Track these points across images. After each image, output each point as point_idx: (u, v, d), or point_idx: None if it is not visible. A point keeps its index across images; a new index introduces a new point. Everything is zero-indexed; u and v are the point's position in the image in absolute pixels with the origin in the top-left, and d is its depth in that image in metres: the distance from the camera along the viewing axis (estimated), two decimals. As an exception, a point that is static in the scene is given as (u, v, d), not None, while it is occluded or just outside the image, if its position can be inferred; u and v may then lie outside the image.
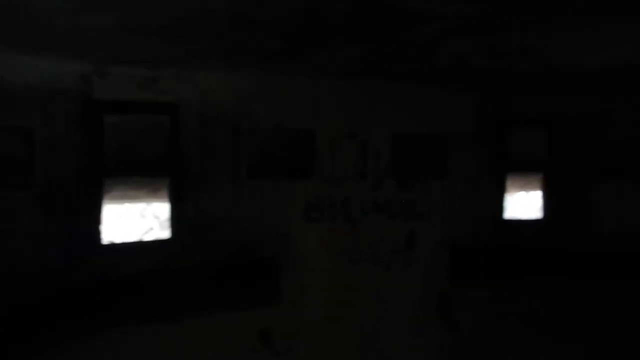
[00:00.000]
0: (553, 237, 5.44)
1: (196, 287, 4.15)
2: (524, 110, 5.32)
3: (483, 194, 5.28)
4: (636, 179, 5.28)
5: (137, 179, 4.35)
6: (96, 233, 3.82)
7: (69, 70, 3.68)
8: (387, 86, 4.74)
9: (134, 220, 6.55)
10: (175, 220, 4.14)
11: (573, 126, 5.42)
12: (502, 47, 3.47)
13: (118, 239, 4.36)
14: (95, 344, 3.66)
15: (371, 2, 2.50)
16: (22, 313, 3.47)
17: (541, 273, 5.28)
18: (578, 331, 5.23)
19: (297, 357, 4.48)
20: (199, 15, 2.69)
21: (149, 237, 6.00)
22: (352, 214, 4.70)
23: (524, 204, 6.14)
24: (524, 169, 5.55)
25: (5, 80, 3.37)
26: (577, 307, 5.29)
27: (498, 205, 5.32)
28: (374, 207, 4.79)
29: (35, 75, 3.51)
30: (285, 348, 4.40)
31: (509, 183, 5.42)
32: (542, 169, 5.56)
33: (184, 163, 4.15)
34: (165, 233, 4.46)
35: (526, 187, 5.91)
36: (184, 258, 4.13)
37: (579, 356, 5.13)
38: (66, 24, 2.80)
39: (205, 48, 3.44)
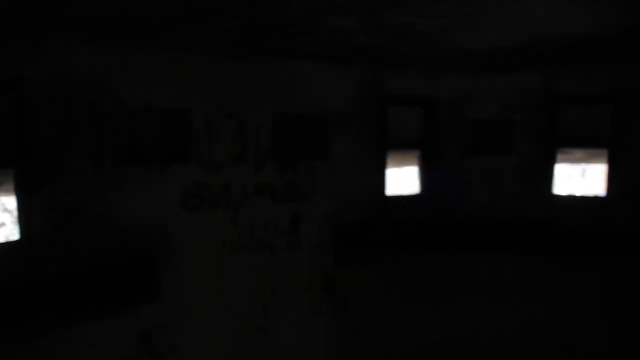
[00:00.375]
0: (430, 210, 5.69)
1: (60, 293, 3.60)
2: (402, 89, 5.42)
3: (365, 172, 5.32)
4: (500, 154, 5.69)
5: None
6: None
7: None
8: (266, 63, 4.50)
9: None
10: (25, 216, 3.53)
11: (445, 105, 5.67)
12: (382, 25, 3.42)
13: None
14: None
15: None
16: None
17: (421, 245, 5.52)
18: (450, 296, 5.58)
19: (185, 355, 4.15)
20: None
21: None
22: (234, 199, 4.42)
23: (403, 180, 6.36)
24: (403, 146, 5.69)
25: None
26: (451, 274, 5.62)
27: (380, 183, 5.40)
28: (256, 190, 4.56)
29: None
30: (170, 347, 4.03)
31: (389, 160, 5.52)
32: (418, 146, 5.76)
33: (34, 150, 3.53)
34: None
35: (405, 163, 6.10)
36: (39, 261, 3.54)
37: (450, 319, 5.49)
38: None
39: (59, 14, 2.90)
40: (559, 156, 5.54)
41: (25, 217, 3.52)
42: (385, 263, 5.38)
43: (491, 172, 5.74)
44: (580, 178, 7.34)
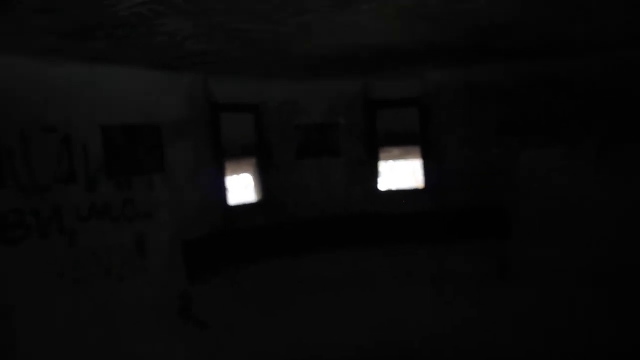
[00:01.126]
0: (270, 215, 5.81)
1: None
2: (233, 97, 5.45)
3: (204, 183, 5.20)
4: (330, 155, 6.10)
5: None
6: None
7: None
8: (91, 68, 4.10)
9: None
10: None
11: (274, 111, 5.86)
12: (218, 30, 3.41)
13: None
14: None
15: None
16: None
17: (267, 251, 5.60)
18: (294, 298, 5.77)
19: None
20: None
21: None
22: (67, 224, 3.92)
23: (242, 187, 6.38)
24: (239, 153, 5.72)
25: None
26: (296, 276, 5.81)
27: (220, 192, 5.34)
28: (91, 212, 4.11)
29: None
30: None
31: (227, 168, 5.49)
32: (252, 152, 5.84)
33: None
34: None
35: (240, 170, 6.13)
36: None
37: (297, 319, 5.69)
38: None
39: None
40: (380, 154, 6.18)
41: None
42: (236, 273, 5.32)
43: (323, 172, 6.12)
44: (398, 173, 8.29)
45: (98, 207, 4.17)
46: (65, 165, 3.97)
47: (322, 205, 6.11)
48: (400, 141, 6.12)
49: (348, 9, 3.05)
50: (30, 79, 3.74)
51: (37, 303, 3.71)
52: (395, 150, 6.24)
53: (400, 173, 7.48)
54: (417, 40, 4.07)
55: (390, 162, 6.50)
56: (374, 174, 6.14)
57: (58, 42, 3.34)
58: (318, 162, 6.11)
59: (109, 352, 4.13)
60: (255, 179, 5.99)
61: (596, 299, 5.26)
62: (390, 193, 6.18)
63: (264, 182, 5.91)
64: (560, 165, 5.38)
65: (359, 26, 3.49)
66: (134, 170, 4.50)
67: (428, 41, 4.11)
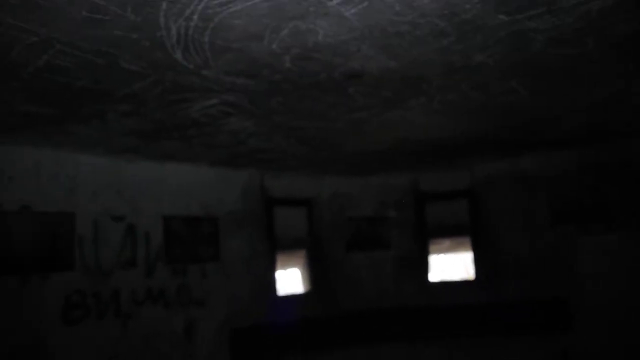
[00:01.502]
0: (319, 307, 5.77)
1: None
2: (287, 192, 5.71)
3: (256, 274, 5.31)
4: (380, 247, 6.13)
5: None
6: None
7: None
8: (158, 164, 4.49)
9: None
10: None
11: (326, 205, 6.05)
12: (277, 128, 3.72)
13: None
14: None
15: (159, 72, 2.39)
16: None
17: (315, 342, 5.51)
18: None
19: None
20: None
21: None
22: (123, 307, 4.09)
23: (294, 279, 6.43)
24: (290, 246, 5.85)
25: None
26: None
27: (271, 283, 5.41)
28: (147, 296, 4.28)
29: None
30: None
31: (278, 260, 5.61)
32: (304, 244, 5.97)
33: None
34: None
35: (293, 263, 6.22)
36: None
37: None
38: None
39: None
40: (431, 247, 6.15)
41: None
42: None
43: (373, 265, 6.11)
44: (450, 265, 8.13)
45: (154, 292, 4.34)
46: (128, 252, 4.23)
47: (373, 298, 6.03)
48: (450, 233, 6.09)
49: (398, 107, 3.29)
50: (106, 174, 4.14)
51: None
52: (446, 242, 6.19)
53: (451, 266, 7.35)
54: (464, 134, 4.24)
55: (441, 255, 6.43)
56: (424, 266, 6.07)
57: (136, 141, 3.74)
58: (368, 255, 6.13)
59: None
60: (305, 272, 6.05)
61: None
62: (441, 285, 6.05)
63: (314, 275, 5.94)
64: (618, 252, 5.18)
65: (407, 121, 3.71)
66: (191, 258, 4.70)
67: (474, 134, 4.27)
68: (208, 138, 3.86)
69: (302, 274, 6.07)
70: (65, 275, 3.78)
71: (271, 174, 5.49)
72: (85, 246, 3.94)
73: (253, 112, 3.28)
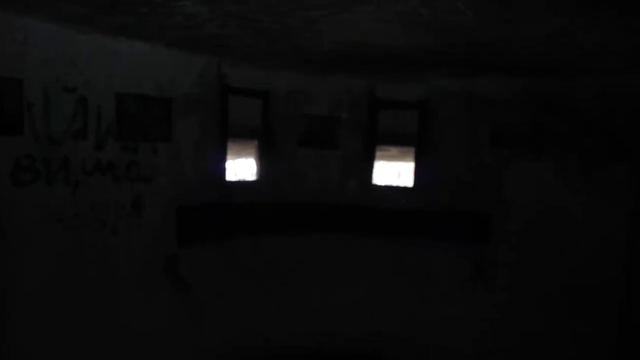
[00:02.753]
0: (266, 195, 6.14)
1: None
2: (244, 82, 5.77)
3: (206, 157, 5.53)
4: (329, 147, 6.40)
5: None
6: None
7: None
8: (113, 40, 4.45)
9: None
10: None
11: (282, 100, 6.17)
12: (232, 17, 3.72)
13: None
14: None
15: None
16: None
17: (258, 228, 5.96)
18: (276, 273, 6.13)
19: (16, 342, 3.89)
20: None
21: None
22: (72, 175, 4.29)
23: (243, 167, 6.71)
24: (242, 135, 6.04)
25: None
26: (283, 253, 6.16)
27: (221, 168, 5.67)
28: (96, 168, 4.47)
29: None
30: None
31: (230, 148, 5.82)
32: (256, 136, 6.17)
33: None
34: None
35: (244, 152, 6.45)
36: None
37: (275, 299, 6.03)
38: None
39: None
40: (378, 153, 6.47)
41: None
42: (226, 245, 5.67)
43: (321, 162, 6.42)
44: (395, 177, 8.60)
45: (103, 165, 4.53)
46: (79, 124, 4.34)
47: (317, 194, 6.43)
48: (398, 141, 6.41)
49: (347, 10, 3.35)
50: (59, 43, 4.10)
51: (36, 241, 4.09)
52: (392, 150, 6.53)
53: (393, 171, 7.75)
54: (417, 47, 4.35)
55: (385, 161, 6.80)
56: (369, 169, 6.44)
57: (88, 13, 3.68)
58: (318, 152, 6.41)
59: (96, 294, 4.52)
60: (256, 161, 6.32)
61: (561, 305, 5.64)
62: (382, 189, 6.48)
63: (264, 165, 6.23)
64: (546, 179, 5.65)
65: (360, 27, 3.78)
66: (142, 136, 4.84)
67: (428, 49, 4.38)
68: (162, 17, 3.82)
69: (253, 164, 6.35)
70: (14, 139, 3.89)
71: (229, 63, 5.51)
72: (35, 113, 4.01)
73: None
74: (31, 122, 4.00)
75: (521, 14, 3.24)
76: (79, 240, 4.38)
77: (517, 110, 5.73)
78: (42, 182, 4.10)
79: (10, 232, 3.92)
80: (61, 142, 4.21)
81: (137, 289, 4.86)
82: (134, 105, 4.74)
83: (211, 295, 5.53)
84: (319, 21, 3.70)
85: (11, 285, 3.95)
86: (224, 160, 5.73)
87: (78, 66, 4.28)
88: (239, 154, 6.66)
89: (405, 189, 6.46)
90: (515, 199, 5.81)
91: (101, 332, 4.55)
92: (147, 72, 4.81)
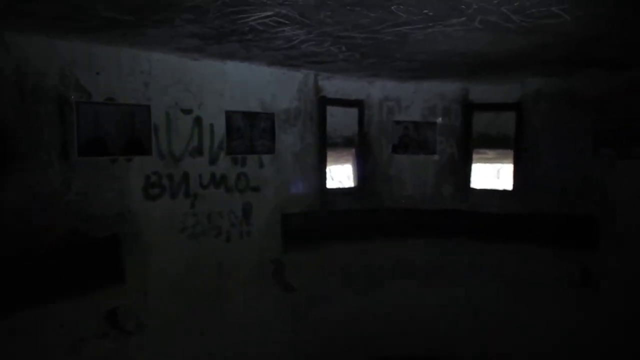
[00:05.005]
0: (364, 201, 6.35)
1: (26, 277, 3.83)
2: (340, 92, 6.04)
3: (307, 167, 5.87)
4: (424, 152, 6.46)
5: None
6: None
7: None
8: (221, 64, 4.93)
9: None
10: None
11: (377, 108, 6.35)
12: (326, 36, 3.98)
13: None
14: None
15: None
16: None
17: (357, 233, 6.17)
18: (380, 279, 6.27)
19: (150, 333, 4.48)
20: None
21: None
22: (191, 188, 4.82)
23: (341, 175, 6.99)
24: (340, 144, 6.31)
25: None
26: (382, 258, 6.31)
27: (320, 176, 5.98)
28: (211, 181, 4.97)
29: None
30: (136, 326, 4.35)
31: (328, 157, 6.12)
32: (352, 144, 6.40)
33: (2, 138, 3.74)
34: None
35: (340, 159, 6.72)
36: (9, 243, 3.75)
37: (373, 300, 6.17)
38: None
39: (21, 6, 3.16)
40: (474, 156, 6.41)
41: (-6, 202, 3.71)
42: (326, 249, 5.96)
43: (416, 167, 6.50)
44: (494, 176, 8.38)
45: (217, 178, 5.02)
46: (195, 142, 4.86)
47: (414, 198, 6.52)
48: (494, 144, 6.30)
49: (438, 24, 3.45)
50: (175, 71, 4.64)
51: (161, 248, 4.65)
52: (489, 153, 6.43)
53: (492, 170, 7.57)
54: (509, 51, 4.31)
55: (487, 165, 6.69)
56: (466, 173, 6.40)
57: (199, 43, 4.15)
58: (413, 158, 6.51)
59: (214, 292, 5.02)
60: (353, 169, 6.56)
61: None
62: (480, 192, 6.40)
63: (361, 172, 6.45)
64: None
65: (451, 37, 3.85)
66: (249, 149, 5.29)
67: (521, 52, 4.33)
68: (264, 42, 4.20)
69: (351, 171, 6.59)
70: (144, 159, 4.49)
71: (324, 76, 5.81)
72: (160, 135, 4.58)
73: (304, 23, 3.56)
74: (157, 143, 4.57)
75: (624, 7, 3.13)
76: (198, 246, 4.91)
77: (623, 106, 5.38)
78: (167, 196, 4.66)
79: (145, 240, 4.51)
80: (181, 159, 4.75)
81: (247, 289, 5.31)
82: (241, 121, 5.19)
83: (312, 295, 5.85)
84: (411, 34, 3.83)
85: (149, 285, 4.54)
86: (323, 168, 6.03)
87: (192, 90, 4.81)
88: (337, 161, 6.94)
89: (504, 192, 6.32)
90: (623, 200, 5.45)
91: (217, 323, 5.08)
92: (251, 90, 5.25)
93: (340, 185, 6.46)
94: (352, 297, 6.17)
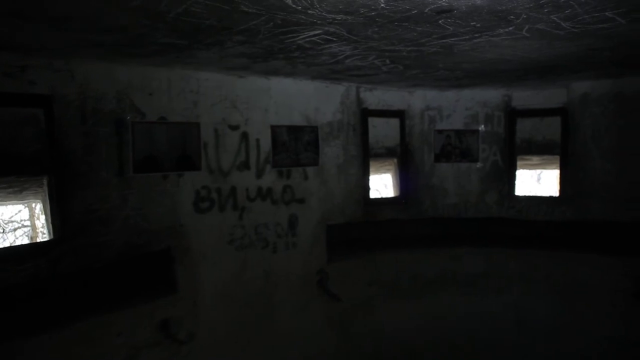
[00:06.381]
0: (407, 211, 6.35)
1: (88, 287, 4.02)
2: (381, 103, 6.07)
3: (350, 178, 5.92)
4: (467, 160, 6.42)
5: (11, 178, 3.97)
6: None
7: None
8: (266, 80, 5.05)
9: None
10: (59, 219, 3.93)
11: (418, 117, 6.36)
12: (371, 51, 4.04)
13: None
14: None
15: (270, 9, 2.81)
16: None
17: (400, 242, 6.17)
18: (426, 288, 6.23)
19: (200, 342, 4.61)
20: (103, 5, 2.70)
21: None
22: (239, 202, 4.94)
23: (384, 185, 7.00)
24: (382, 154, 6.33)
25: None
26: (426, 268, 6.27)
27: (364, 187, 6.02)
28: (258, 194, 5.09)
29: None
30: (187, 335, 4.49)
31: (371, 166, 6.15)
32: (395, 153, 6.42)
33: (66, 159, 3.95)
34: (46, 234, 4.18)
35: (383, 169, 6.74)
36: (72, 259, 3.95)
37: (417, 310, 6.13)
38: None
39: (94, 38, 3.36)
40: (518, 163, 6.32)
41: (59, 220, 3.92)
42: (370, 259, 5.98)
43: (459, 176, 6.46)
44: (535, 181, 8.21)
45: (263, 191, 5.13)
46: (242, 156, 4.99)
47: (458, 207, 6.47)
48: (540, 150, 6.20)
49: (484, 34, 3.46)
50: (222, 88, 4.79)
51: (214, 260, 4.78)
52: (533, 159, 6.32)
53: (532, 180, 7.42)
54: (557, 56, 4.27)
55: (528, 170, 6.58)
56: (510, 180, 6.31)
57: (247, 61, 4.28)
58: (456, 166, 6.47)
59: (260, 303, 5.10)
60: (395, 178, 6.57)
61: None
62: (525, 199, 6.30)
63: (404, 182, 6.46)
64: None
65: (497, 47, 3.85)
66: (294, 162, 5.38)
67: (570, 56, 4.27)
68: (310, 58, 4.29)
69: (393, 181, 6.61)
70: (194, 174, 4.64)
71: (366, 87, 5.87)
72: (209, 151, 4.73)
73: (351, 39, 3.63)
74: (206, 158, 4.72)
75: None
76: (246, 257, 5.02)
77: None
78: (216, 209, 4.80)
79: (195, 252, 4.65)
80: (229, 174, 4.88)
81: (293, 299, 5.38)
82: (286, 135, 5.30)
83: (356, 305, 5.87)
84: (456, 46, 3.84)
85: (199, 296, 4.68)
86: (366, 178, 6.07)
87: (239, 107, 4.94)
88: (379, 170, 6.96)
89: (550, 198, 6.20)
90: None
91: (264, 333, 5.18)
92: (295, 104, 5.36)
93: (383, 195, 6.47)
94: (396, 307, 6.16)
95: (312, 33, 3.42)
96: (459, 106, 6.32)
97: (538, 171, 8.26)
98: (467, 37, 3.55)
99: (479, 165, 6.39)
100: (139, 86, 4.27)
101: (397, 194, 6.51)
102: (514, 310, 6.16)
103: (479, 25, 3.24)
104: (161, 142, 4.45)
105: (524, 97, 6.11)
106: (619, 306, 5.59)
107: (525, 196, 6.37)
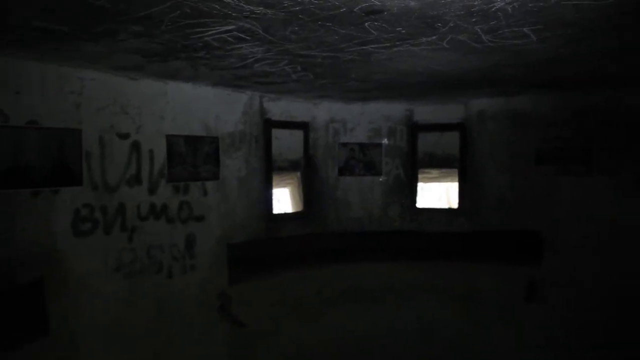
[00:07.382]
0: (310, 226, 6.09)
1: None
2: (285, 115, 5.78)
3: (253, 193, 5.51)
4: (370, 173, 6.36)
5: None
6: None
7: None
8: (162, 84, 4.50)
9: None
10: None
11: (322, 130, 6.17)
12: (284, 55, 3.73)
13: None
14: None
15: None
16: None
17: (305, 259, 5.88)
18: (330, 305, 6.00)
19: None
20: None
21: None
22: (128, 221, 4.28)
23: (287, 199, 6.68)
24: (285, 167, 6.03)
25: None
26: (331, 284, 6.06)
27: (266, 202, 5.65)
28: (151, 212, 4.47)
29: None
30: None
31: (274, 180, 5.80)
32: (299, 166, 6.15)
33: None
34: None
35: (286, 183, 6.44)
36: None
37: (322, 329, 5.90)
38: None
39: None
40: (419, 176, 6.41)
41: None
42: (275, 278, 5.61)
43: (363, 189, 6.38)
44: (440, 195, 8.51)
45: (157, 208, 4.52)
46: (133, 169, 4.35)
47: (362, 221, 6.37)
48: (439, 163, 6.35)
49: (406, 42, 3.33)
50: (110, 91, 4.14)
51: (97, 291, 4.08)
52: (434, 172, 6.47)
53: (436, 194, 7.65)
54: (465, 71, 4.32)
55: (428, 184, 6.71)
56: (412, 193, 6.37)
57: (141, 60, 3.72)
58: (359, 179, 6.38)
59: (154, 335, 4.47)
60: (299, 192, 6.29)
61: (620, 322, 5.42)
62: (426, 212, 6.40)
63: (308, 195, 6.20)
64: (598, 194, 5.52)
65: (415, 57, 3.76)
66: (192, 176, 4.85)
67: (476, 71, 4.35)
68: (215, 60, 3.85)
69: (297, 195, 6.32)
70: (74, 190, 3.91)
71: (270, 97, 5.53)
72: (92, 162, 4.04)
73: (265, 39, 3.27)
74: (89, 171, 4.02)
75: (587, 33, 3.19)
76: (136, 286, 4.36)
77: (564, 125, 5.64)
78: (100, 230, 4.11)
79: (74, 282, 3.91)
80: (116, 189, 4.22)
81: (192, 328, 4.81)
82: (183, 146, 4.75)
83: (262, 328, 5.45)
84: (374, 54, 3.68)
85: (79, 327, 3.93)
86: (269, 193, 5.71)
87: (130, 112, 4.32)
88: (280, 184, 6.64)
89: (450, 210, 6.37)
90: (565, 216, 5.68)
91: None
92: (194, 112, 4.84)
93: (287, 210, 6.16)
94: (302, 327, 5.84)
95: (223, 29, 3.01)
96: (363, 119, 6.26)
97: (446, 185, 8.55)
98: (388, 44, 3.39)
99: (382, 178, 6.36)
100: (1, 82, 3.49)
101: (300, 209, 6.23)
102: (418, 321, 6.17)
103: (404, 31, 3.08)
104: (32, 152, 3.68)
105: (425, 112, 6.22)
106: (514, 310, 5.86)
107: (425, 208, 6.47)
